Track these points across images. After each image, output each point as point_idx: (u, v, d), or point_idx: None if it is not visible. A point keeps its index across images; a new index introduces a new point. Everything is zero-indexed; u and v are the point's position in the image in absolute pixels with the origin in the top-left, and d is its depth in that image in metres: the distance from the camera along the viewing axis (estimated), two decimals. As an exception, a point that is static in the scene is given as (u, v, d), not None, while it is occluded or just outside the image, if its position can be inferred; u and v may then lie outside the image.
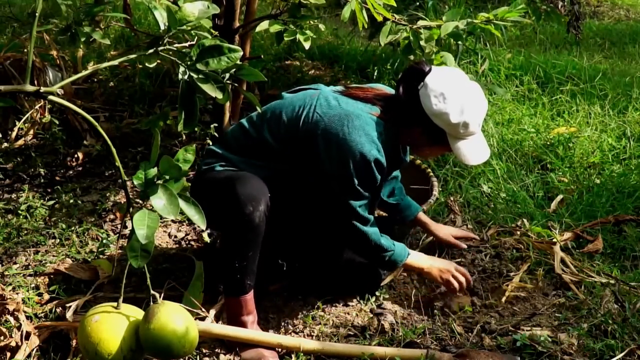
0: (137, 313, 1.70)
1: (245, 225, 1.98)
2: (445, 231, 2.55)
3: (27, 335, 2.04)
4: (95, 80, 3.78)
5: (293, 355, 2.04)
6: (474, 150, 2.07)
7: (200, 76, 1.39)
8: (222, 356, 2.07)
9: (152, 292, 1.66)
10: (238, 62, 1.41)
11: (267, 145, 2.12)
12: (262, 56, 3.77)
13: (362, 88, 2.21)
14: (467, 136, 2.05)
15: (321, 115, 2.05)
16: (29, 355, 2.00)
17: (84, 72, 1.54)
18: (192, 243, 2.71)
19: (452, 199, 2.93)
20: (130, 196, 1.49)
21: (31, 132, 3.37)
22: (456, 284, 2.23)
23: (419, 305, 2.31)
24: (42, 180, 3.12)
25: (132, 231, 1.38)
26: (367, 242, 2.13)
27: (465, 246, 2.55)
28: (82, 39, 1.98)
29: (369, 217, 2.12)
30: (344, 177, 2.02)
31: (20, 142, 3.33)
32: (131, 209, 1.43)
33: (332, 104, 2.09)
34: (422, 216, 2.53)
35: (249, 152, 2.16)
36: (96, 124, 1.38)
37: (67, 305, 2.22)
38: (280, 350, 2.07)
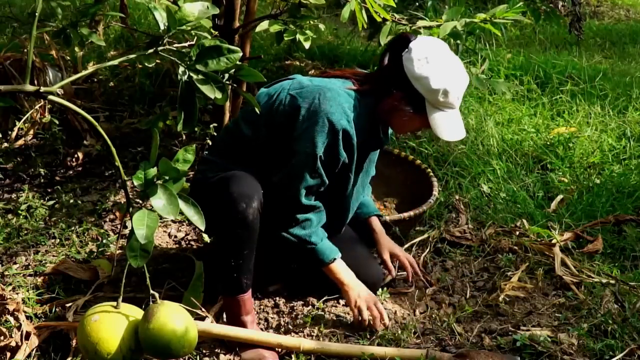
0: (136, 313, 1.70)
1: (239, 222, 1.98)
2: (388, 245, 2.38)
3: (27, 335, 2.03)
4: (95, 80, 3.78)
5: (293, 355, 2.04)
6: (450, 125, 2.02)
7: (199, 77, 1.39)
8: (222, 356, 2.07)
9: (151, 292, 1.66)
10: (238, 62, 1.41)
11: (250, 140, 2.12)
12: (262, 56, 3.77)
13: (338, 69, 2.22)
14: (446, 107, 2.00)
15: (294, 95, 2.06)
16: (29, 355, 2.00)
17: (84, 72, 1.54)
18: (192, 243, 2.71)
19: (457, 197, 2.94)
20: (130, 196, 1.49)
21: (31, 132, 3.37)
22: (365, 317, 2.11)
23: (419, 305, 2.31)
24: (42, 180, 3.12)
25: (132, 231, 1.38)
26: (289, 227, 2.06)
27: (393, 274, 2.36)
28: (76, 41, 1.97)
29: (310, 202, 2.06)
30: (309, 147, 1.98)
31: (20, 142, 3.33)
32: (131, 209, 1.43)
33: (304, 83, 2.09)
34: (375, 221, 2.39)
35: (236, 153, 2.16)
36: (96, 124, 1.38)
37: (67, 305, 2.22)
38: (280, 350, 2.07)
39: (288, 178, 2.04)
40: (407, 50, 2.01)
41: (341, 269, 2.15)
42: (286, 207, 2.06)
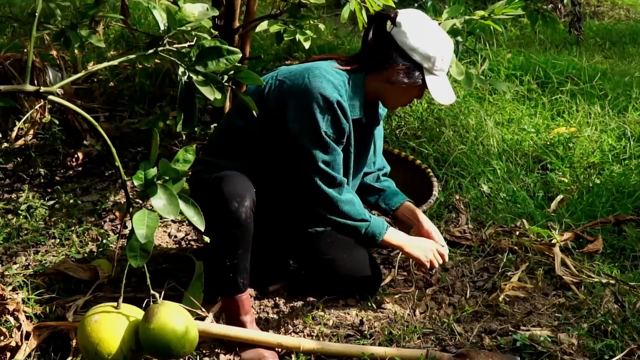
0: (137, 313, 1.70)
1: (232, 222, 1.98)
2: (431, 225, 2.32)
3: (27, 335, 2.03)
4: (95, 80, 3.78)
5: (293, 355, 2.04)
6: (444, 89, 2.11)
7: (199, 78, 1.39)
8: (222, 356, 2.07)
9: (152, 292, 1.66)
10: (237, 64, 1.41)
11: (243, 132, 2.12)
12: (262, 56, 3.77)
13: (323, 55, 2.26)
14: (439, 72, 2.09)
15: (282, 79, 2.09)
16: (29, 355, 2.00)
17: (84, 72, 1.54)
18: (192, 243, 2.71)
19: (457, 197, 2.93)
20: (130, 196, 1.49)
21: (31, 132, 3.37)
22: (436, 264, 2.22)
23: (419, 305, 2.31)
24: (42, 180, 3.12)
25: (132, 231, 1.38)
26: (334, 207, 2.07)
27: (445, 245, 2.30)
28: (76, 43, 1.97)
29: (338, 176, 2.06)
30: (310, 126, 2.00)
31: (20, 142, 3.33)
32: (131, 209, 1.43)
33: (292, 68, 2.14)
34: (411, 205, 2.36)
35: (231, 149, 2.16)
36: (96, 124, 1.38)
37: (67, 305, 2.22)
38: (280, 350, 2.07)
39: (304, 164, 2.04)
40: (395, 25, 2.06)
41: (395, 236, 2.19)
42: (323, 192, 2.06)
